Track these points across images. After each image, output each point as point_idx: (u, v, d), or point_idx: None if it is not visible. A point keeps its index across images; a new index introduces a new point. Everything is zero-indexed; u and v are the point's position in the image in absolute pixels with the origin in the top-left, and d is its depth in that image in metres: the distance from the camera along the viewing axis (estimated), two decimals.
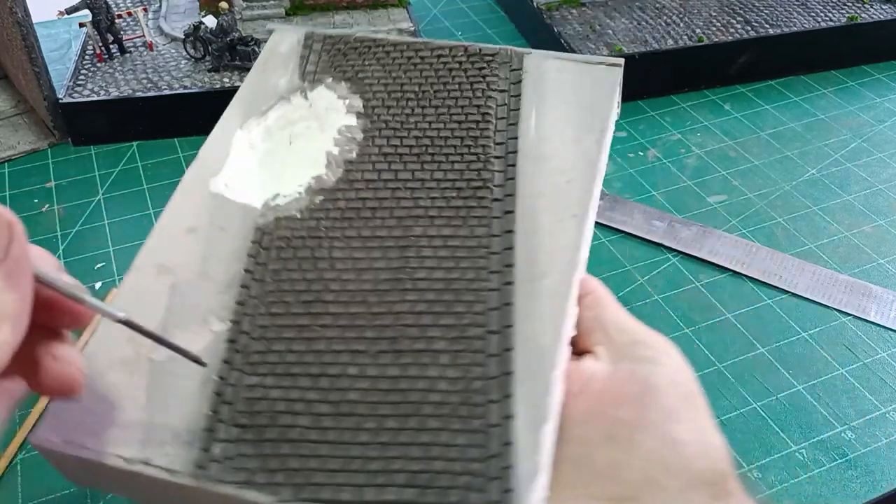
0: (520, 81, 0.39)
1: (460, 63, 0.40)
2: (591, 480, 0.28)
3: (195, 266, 0.33)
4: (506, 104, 0.38)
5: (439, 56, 0.40)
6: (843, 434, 0.45)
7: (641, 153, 0.67)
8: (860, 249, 0.58)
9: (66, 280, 0.24)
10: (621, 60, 0.39)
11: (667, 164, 0.66)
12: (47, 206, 0.62)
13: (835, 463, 0.43)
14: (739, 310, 0.53)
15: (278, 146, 0.38)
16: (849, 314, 0.52)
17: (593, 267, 0.55)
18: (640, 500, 0.28)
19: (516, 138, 0.36)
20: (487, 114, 0.37)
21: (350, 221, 0.34)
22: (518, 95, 0.38)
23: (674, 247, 0.57)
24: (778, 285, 0.54)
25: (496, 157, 0.36)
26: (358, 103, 0.39)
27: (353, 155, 0.37)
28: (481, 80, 0.39)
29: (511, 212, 0.34)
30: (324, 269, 0.32)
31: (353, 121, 0.38)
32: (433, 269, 0.32)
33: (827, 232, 0.59)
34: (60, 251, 0.58)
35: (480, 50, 0.40)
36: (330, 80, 0.40)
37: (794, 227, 0.60)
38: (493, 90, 0.38)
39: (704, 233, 0.58)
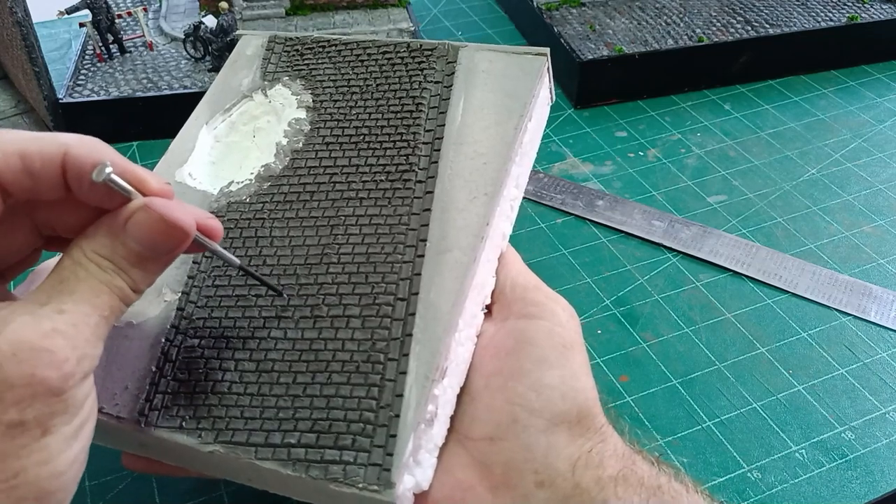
0: (453, 73, 0.41)
1: (402, 58, 0.42)
2: (470, 424, 0.32)
3: None
4: (438, 94, 0.40)
5: (384, 52, 0.43)
6: (843, 434, 0.45)
7: (641, 153, 0.67)
8: (860, 249, 0.58)
9: (197, 213, 0.30)
10: (546, 50, 0.41)
11: (667, 164, 0.66)
12: None
13: (835, 463, 0.43)
14: (739, 310, 0.53)
15: (243, 139, 0.42)
16: (849, 314, 0.52)
17: (593, 266, 0.56)
18: (508, 439, 0.30)
19: (444, 125, 0.39)
20: (420, 104, 0.40)
21: (291, 204, 0.38)
22: (450, 86, 0.40)
23: (674, 247, 0.57)
24: (778, 285, 0.54)
25: (424, 143, 0.38)
26: (308, 98, 0.42)
27: (300, 145, 0.40)
28: (419, 73, 0.41)
29: (431, 192, 0.37)
30: (263, 247, 0.36)
31: (302, 114, 0.41)
32: (356, 245, 0.35)
33: (827, 232, 0.59)
34: None
35: (421, 45, 0.42)
36: (287, 78, 0.43)
37: (794, 227, 0.60)
38: (428, 82, 0.41)
39: (704, 233, 0.58)
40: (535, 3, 0.80)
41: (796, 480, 0.42)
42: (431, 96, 0.40)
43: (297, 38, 0.45)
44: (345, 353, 0.32)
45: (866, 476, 0.43)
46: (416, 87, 0.40)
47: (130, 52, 0.73)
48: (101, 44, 0.72)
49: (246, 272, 0.34)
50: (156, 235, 0.27)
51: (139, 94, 0.67)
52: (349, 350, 0.32)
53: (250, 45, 0.46)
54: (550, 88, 0.42)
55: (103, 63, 0.72)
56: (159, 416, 0.32)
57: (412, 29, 0.77)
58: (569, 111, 0.72)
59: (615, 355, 0.49)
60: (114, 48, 0.73)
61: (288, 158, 0.39)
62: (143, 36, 0.75)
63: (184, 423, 0.31)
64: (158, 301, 0.35)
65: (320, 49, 0.44)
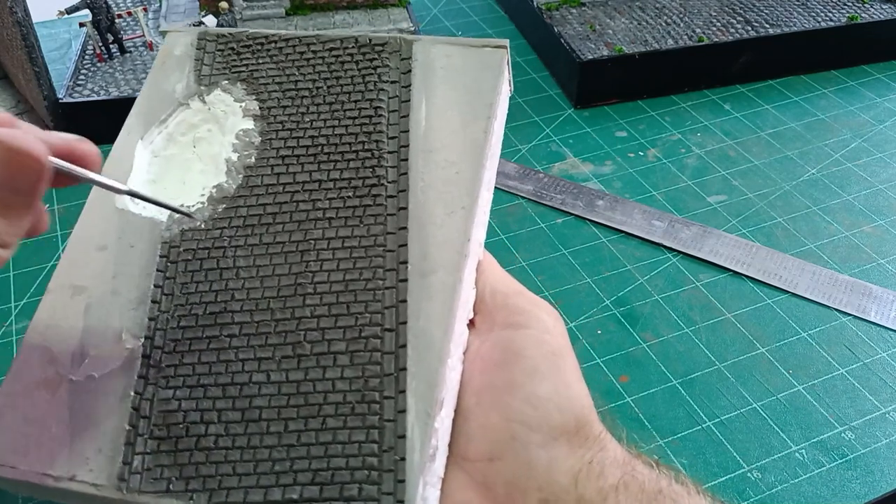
0: (409, 71, 0.38)
1: (352, 56, 0.39)
2: (465, 444, 0.30)
3: (107, 284, 0.33)
4: (397, 95, 0.37)
5: (331, 49, 0.39)
6: (843, 434, 0.45)
7: (641, 153, 0.67)
8: (860, 249, 0.58)
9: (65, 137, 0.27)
10: (506, 41, 0.38)
11: (667, 164, 0.66)
12: (48, 206, 0.62)
13: (835, 463, 0.43)
14: (739, 310, 0.53)
15: (182, 151, 0.38)
16: (849, 314, 0.52)
17: (593, 266, 0.56)
18: (507, 458, 0.29)
19: (408, 131, 0.36)
20: (379, 107, 0.37)
21: (252, 229, 0.34)
22: (408, 86, 0.37)
23: (674, 247, 0.57)
24: (778, 285, 0.54)
25: (389, 153, 0.36)
26: (254, 105, 0.38)
27: (252, 160, 0.36)
28: (372, 71, 0.38)
29: (405, 208, 0.34)
30: (229, 279, 0.33)
31: (250, 124, 0.37)
32: (332, 272, 0.33)
33: (827, 232, 0.59)
34: (61, 251, 0.58)
35: (371, 40, 0.39)
36: (226, 82, 0.39)
37: (794, 227, 0.60)
38: (384, 82, 0.38)
39: (704, 233, 0.58)
40: (535, 3, 0.80)
41: (796, 480, 0.42)
42: (389, 98, 0.37)
43: (231, 34, 0.40)
44: (337, 395, 0.30)
45: (866, 476, 0.43)
46: (372, 88, 0.37)
47: (130, 52, 0.73)
48: (101, 44, 0.72)
49: (139, 197, 0.32)
50: (3, 170, 0.24)
51: (139, 94, 0.67)
52: (341, 390, 0.30)
53: (178, 43, 0.41)
54: (509, 80, 0.40)
55: (103, 63, 0.72)
56: (142, 480, 0.29)
57: (412, 29, 0.77)
58: (569, 111, 0.72)
59: (615, 355, 0.49)
60: (114, 48, 0.73)
61: (241, 176, 0.36)
62: (143, 36, 0.75)
63: (171, 486, 0.29)
64: (119, 348, 0.32)
65: (259, 47, 0.40)
